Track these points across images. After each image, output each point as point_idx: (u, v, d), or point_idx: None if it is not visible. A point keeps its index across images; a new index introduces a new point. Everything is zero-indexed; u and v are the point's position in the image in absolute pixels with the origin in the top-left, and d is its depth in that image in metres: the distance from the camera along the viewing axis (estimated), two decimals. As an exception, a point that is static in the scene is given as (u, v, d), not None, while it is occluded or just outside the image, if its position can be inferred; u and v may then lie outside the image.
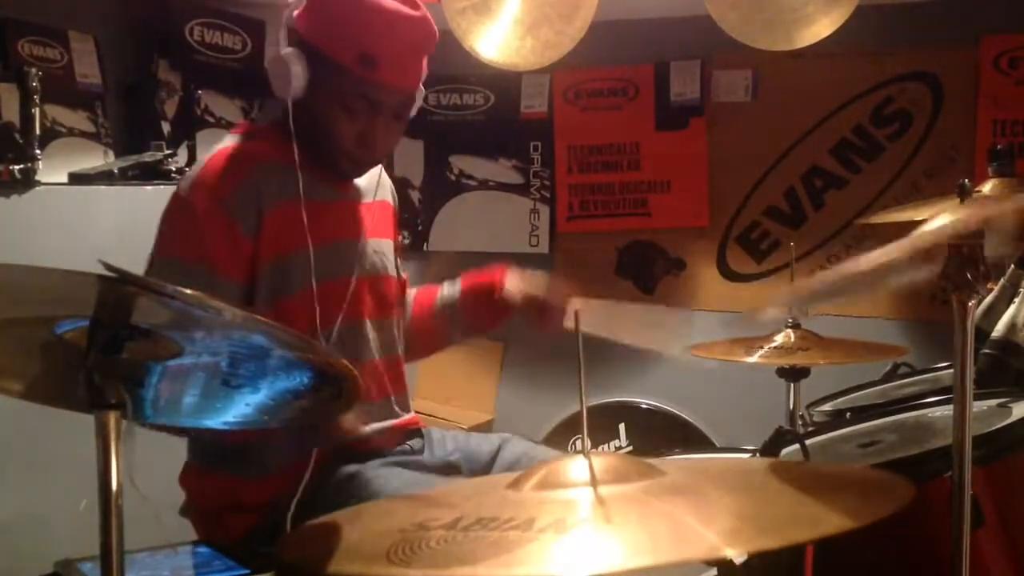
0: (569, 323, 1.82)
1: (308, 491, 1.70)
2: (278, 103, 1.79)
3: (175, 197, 1.75)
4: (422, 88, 1.84)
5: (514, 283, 1.92)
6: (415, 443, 1.87)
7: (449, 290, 2.03)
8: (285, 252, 1.72)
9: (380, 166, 1.98)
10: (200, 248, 1.68)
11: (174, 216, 1.73)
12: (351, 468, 1.73)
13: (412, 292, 2.09)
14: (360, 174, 1.87)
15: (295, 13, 1.76)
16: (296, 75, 1.72)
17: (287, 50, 1.74)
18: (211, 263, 1.66)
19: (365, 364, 1.81)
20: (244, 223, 1.69)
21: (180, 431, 1.66)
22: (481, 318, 1.99)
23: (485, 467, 1.88)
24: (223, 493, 1.75)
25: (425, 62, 1.81)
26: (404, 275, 2.07)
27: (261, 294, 1.70)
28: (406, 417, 1.89)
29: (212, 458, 1.78)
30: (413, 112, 1.84)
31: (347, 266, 1.81)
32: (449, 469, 1.85)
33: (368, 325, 1.84)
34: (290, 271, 1.73)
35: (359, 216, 1.86)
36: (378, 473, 1.73)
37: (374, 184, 1.92)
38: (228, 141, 1.81)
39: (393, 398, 1.88)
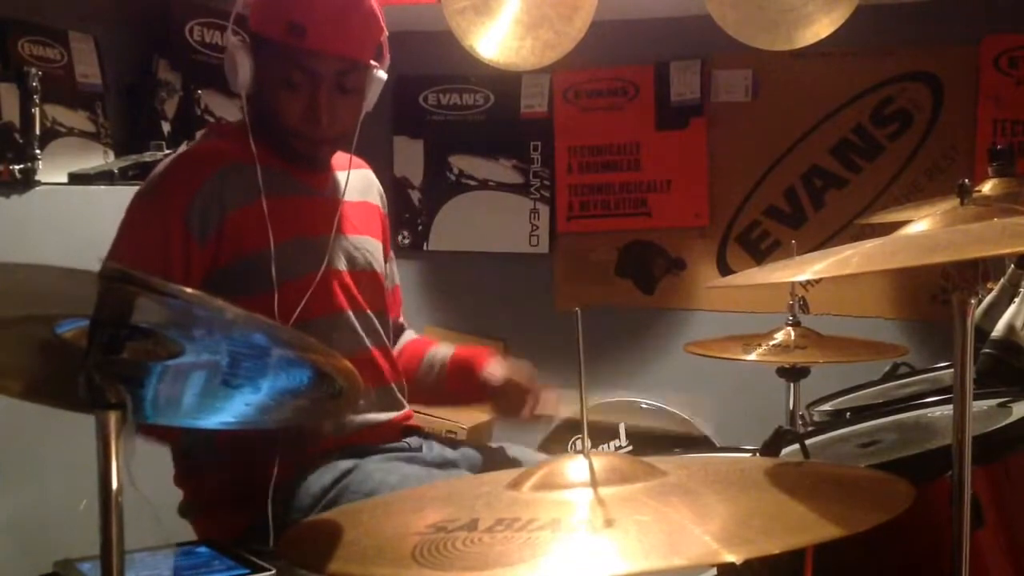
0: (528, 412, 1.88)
1: (307, 485, 1.70)
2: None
3: (134, 200, 1.74)
4: (382, 72, 1.81)
5: (497, 367, 1.92)
6: (413, 441, 1.88)
7: (440, 353, 2.02)
8: (247, 252, 1.72)
9: (368, 170, 1.97)
10: (152, 256, 1.67)
11: (131, 220, 1.73)
12: (349, 462, 1.73)
13: (405, 338, 2.07)
14: (318, 155, 1.83)
15: (241, 6, 1.77)
16: (242, 65, 1.72)
17: (232, 42, 1.74)
18: (160, 272, 1.62)
19: (358, 356, 1.80)
20: (200, 230, 1.68)
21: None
22: (460, 391, 2.00)
23: (483, 467, 1.88)
24: (221, 487, 1.75)
25: (383, 39, 1.79)
26: (395, 284, 2.06)
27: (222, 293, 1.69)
28: (404, 411, 1.89)
29: (207, 453, 1.78)
30: (374, 94, 1.80)
31: (314, 260, 1.78)
32: (447, 465, 1.85)
33: (352, 317, 1.83)
34: (251, 269, 1.72)
35: (333, 212, 1.83)
36: (378, 467, 1.73)
37: (358, 185, 1.92)
38: (194, 142, 1.80)
39: (394, 386, 1.89)
